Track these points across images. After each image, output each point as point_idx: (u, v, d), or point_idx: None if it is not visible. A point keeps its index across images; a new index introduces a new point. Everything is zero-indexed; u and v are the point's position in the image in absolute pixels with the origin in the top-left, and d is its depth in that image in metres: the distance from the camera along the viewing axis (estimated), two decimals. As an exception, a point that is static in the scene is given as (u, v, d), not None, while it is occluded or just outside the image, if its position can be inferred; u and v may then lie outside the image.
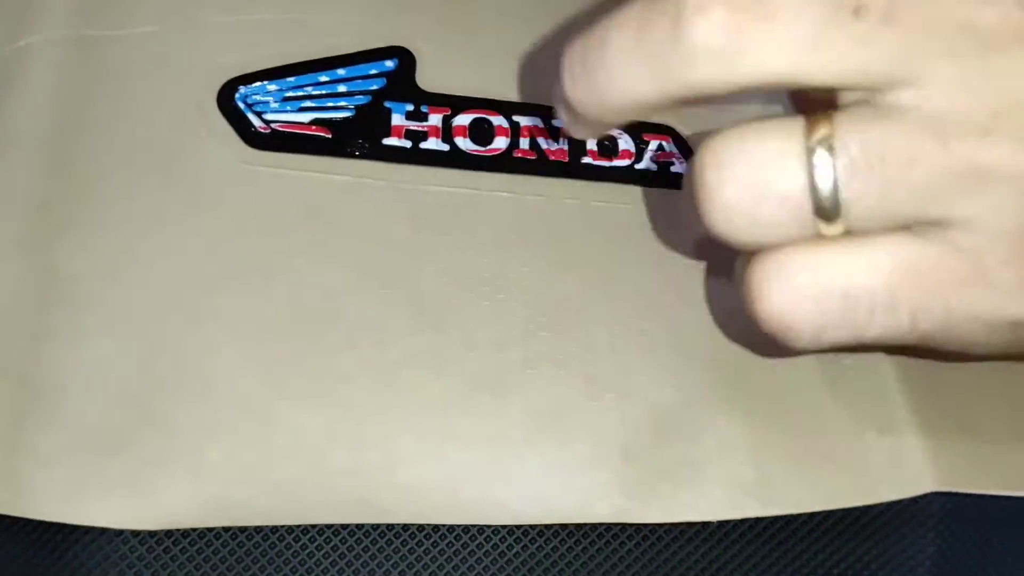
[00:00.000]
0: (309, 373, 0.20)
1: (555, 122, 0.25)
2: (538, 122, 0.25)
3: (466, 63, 0.25)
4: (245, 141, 0.23)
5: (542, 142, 0.24)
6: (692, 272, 0.23)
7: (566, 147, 0.24)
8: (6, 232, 0.21)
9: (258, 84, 0.24)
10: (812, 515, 0.21)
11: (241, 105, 0.24)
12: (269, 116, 0.24)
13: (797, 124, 0.17)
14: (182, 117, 0.23)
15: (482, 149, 0.24)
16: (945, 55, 0.16)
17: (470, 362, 0.21)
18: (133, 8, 0.24)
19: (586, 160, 0.24)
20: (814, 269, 0.17)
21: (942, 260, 0.16)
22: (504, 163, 0.24)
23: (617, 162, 0.24)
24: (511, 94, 0.25)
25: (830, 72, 0.16)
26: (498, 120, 0.24)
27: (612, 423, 0.21)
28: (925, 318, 0.17)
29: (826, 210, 0.16)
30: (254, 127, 0.23)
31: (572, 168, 0.24)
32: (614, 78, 0.17)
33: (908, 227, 0.17)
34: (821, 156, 0.16)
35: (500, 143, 0.24)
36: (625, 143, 0.25)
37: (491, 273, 0.22)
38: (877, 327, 0.17)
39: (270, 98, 0.24)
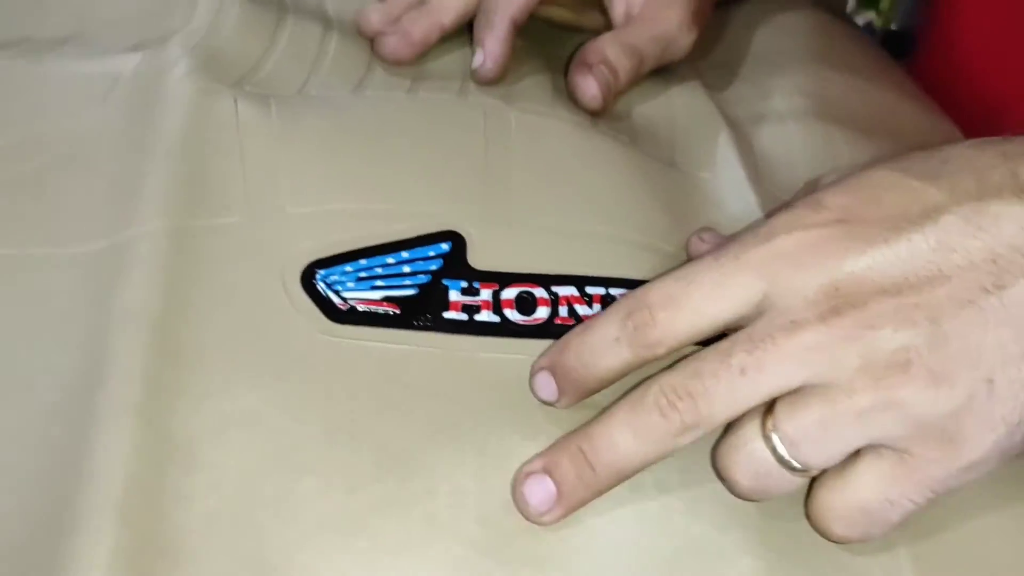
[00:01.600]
0: (396, 520, 0.24)
1: (588, 289, 0.29)
2: (573, 291, 0.29)
3: (508, 243, 0.29)
4: (328, 316, 0.27)
5: (579, 308, 0.28)
6: None
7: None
8: (126, 399, 0.24)
9: (335, 266, 0.28)
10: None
11: (322, 285, 0.27)
12: (346, 294, 0.27)
13: (756, 423, 0.24)
14: (272, 296, 0.27)
15: (527, 319, 0.28)
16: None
17: None
18: (222, 201, 0.28)
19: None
20: (839, 504, 0.24)
21: (895, 461, 0.23)
22: (547, 330, 0.28)
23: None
24: (549, 267, 0.29)
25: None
26: (539, 292, 0.29)
27: None
28: (921, 493, 0.23)
29: (796, 469, 0.23)
30: (335, 304, 0.27)
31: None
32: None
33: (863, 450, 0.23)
34: (774, 440, 0.23)
35: (542, 312, 0.28)
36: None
37: (550, 425, 0.26)
38: (896, 514, 0.23)
39: (346, 278, 0.28)
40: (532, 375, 0.26)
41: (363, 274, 0.28)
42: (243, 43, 0.33)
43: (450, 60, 0.36)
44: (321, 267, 0.28)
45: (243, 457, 0.24)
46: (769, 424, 0.23)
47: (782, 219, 0.24)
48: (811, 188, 0.29)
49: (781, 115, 0.40)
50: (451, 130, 0.32)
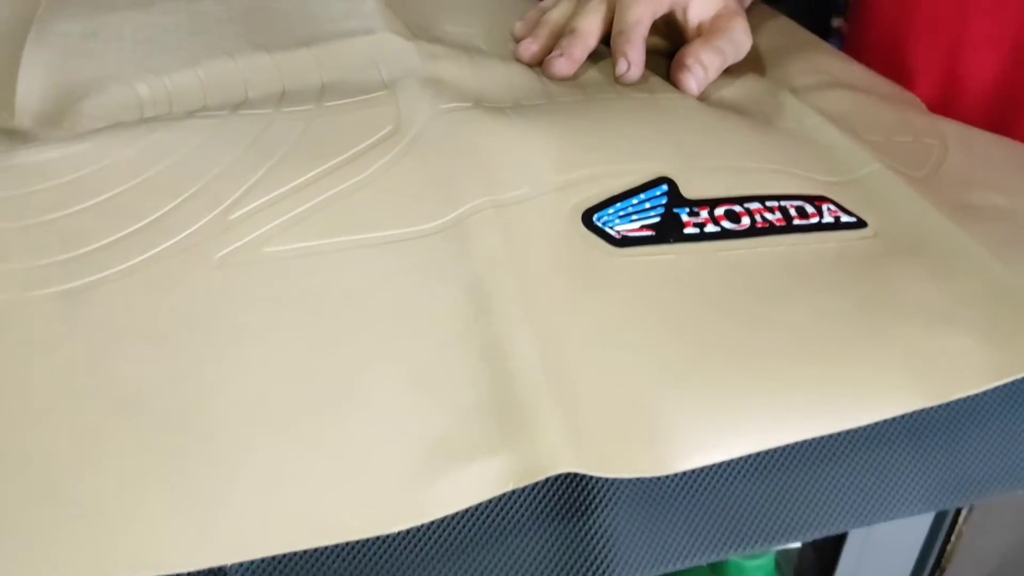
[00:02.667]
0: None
1: (767, 203, 0.40)
2: (758, 205, 0.40)
3: (701, 181, 0.41)
4: (609, 243, 0.38)
5: (767, 215, 0.40)
6: None
7: (781, 216, 0.40)
8: (517, 322, 0.34)
9: (604, 210, 0.39)
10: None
11: (599, 224, 0.38)
12: (617, 227, 0.38)
13: None
14: (571, 238, 0.37)
15: (738, 226, 0.39)
16: None
17: None
18: (512, 179, 0.39)
19: (796, 222, 0.40)
20: None
21: None
22: (753, 231, 0.39)
23: (812, 220, 0.40)
24: (734, 192, 0.41)
25: None
26: (737, 208, 0.40)
27: None
28: None
29: None
30: (612, 236, 0.38)
31: (790, 227, 0.40)
32: None
33: None
34: None
35: (745, 221, 0.40)
36: (810, 208, 0.41)
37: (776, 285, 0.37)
38: None
39: (613, 217, 0.39)
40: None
41: (622, 212, 0.39)
42: (456, 76, 0.45)
43: (597, 72, 0.48)
44: (594, 212, 0.39)
45: (594, 339, 0.34)
46: None
47: None
48: None
49: (814, 87, 0.53)
50: (632, 113, 0.44)
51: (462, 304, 0.35)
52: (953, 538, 0.48)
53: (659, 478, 0.33)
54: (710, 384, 0.33)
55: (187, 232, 0.37)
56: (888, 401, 0.33)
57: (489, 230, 0.37)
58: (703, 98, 0.49)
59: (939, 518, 0.48)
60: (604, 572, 0.32)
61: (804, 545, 0.52)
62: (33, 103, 0.45)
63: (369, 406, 0.31)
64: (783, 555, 0.55)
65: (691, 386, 0.33)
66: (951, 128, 0.51)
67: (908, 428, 0.36)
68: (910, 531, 0.48)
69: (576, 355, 0.33)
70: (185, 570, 0.28)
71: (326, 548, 0.31)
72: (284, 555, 0.31)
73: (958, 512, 0.47)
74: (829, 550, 0.47)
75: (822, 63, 0.57)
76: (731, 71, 0.52)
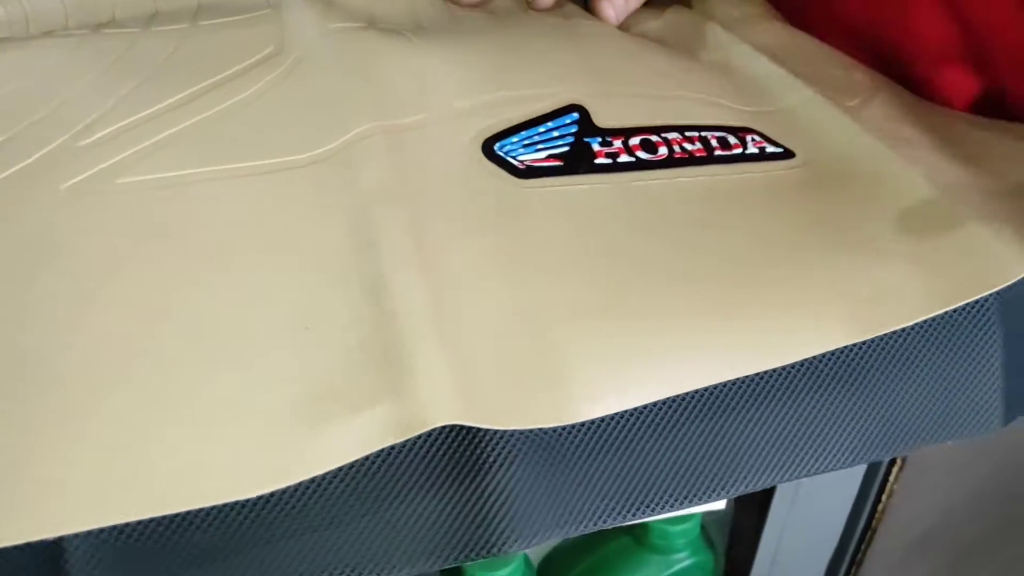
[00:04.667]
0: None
1: (686, 132, 0.37)
2: (677, 135, 0.37)
3: (616, 108, 0.37)
4: (512, 175, 0.34)
5: (686, 146, 0.37)
6: None
7: (702, 147, 0.37)
8: (405, 256, 0.30)
9: (506, 139, 0.35)
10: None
11: (501, 153, 0.34)
12: (521, 157, 0.34)
13: None
14: (469, 168, 0.33)
15: (654, 156, 0.36)
16: None
17: None
18: (408, 104, 0.35)
19: (716, 152, 0.37)
20: None
21: None
22: (671, 162, 0.36)
23: (735, 151, 0.37)
24: (652, 120, 0.37)
25: None
26: (654, 137, 0.36)
27: None
28: None
29: None
30: (515, 166, 0.34)
31: (710, 158, 0.36)
32: None
33: None
34: None
35: (663, 151, 0.36)
36: (732, 139, 0.37)
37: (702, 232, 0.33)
38: None
39: (516, 147, 0.35)
40: None
41: (527, 141, 0.35)
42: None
43: (501, 1, 0.44)
44: (495, 140, 0.35)
45: (492, 276, 0.30)
46: None
47: None
48: None
49: (740, 19, 0.50)
50: (545, 36, 0.40)
51: (345, 238, 0.31)
52: (884, 497, 0.46)
53: (561, 430, 0.29)
54: (619, 321, 0.29)
55: (30, 160, 0.32)
56: (818, 336, 0.30)
57: (379, 158, 0.33)
58: (623, 29, 0.45)
59: (869, 477, 0.45)
60: (501, 538, 0.28)
61: (735, 509, 0.49)
62: None
63: (236, 351, 0.27)
64: (711, 520, 0.52)
65: (597, 324, 0.29)
66: (877, 73, 0.48)
67: (838, 374, 0.33)
68: (840, 489, 0.45)
69: (469, 293, 0.29)
70: (9, 543, 0.24)
71: (183, 515, 0.27)
72: (134, 524, 0.26)
73: (889, 470, 0.45)
74: (754, 509, 0.44)
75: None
76: (654, 4, 0.49)
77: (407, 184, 0.32)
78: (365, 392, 0.27)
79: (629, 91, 0.38)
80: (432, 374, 0.27)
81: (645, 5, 0.48)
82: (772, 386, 0.32)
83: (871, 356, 0.33)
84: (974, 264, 0.32)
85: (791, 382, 0.32)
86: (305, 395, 0.27)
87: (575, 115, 0.36)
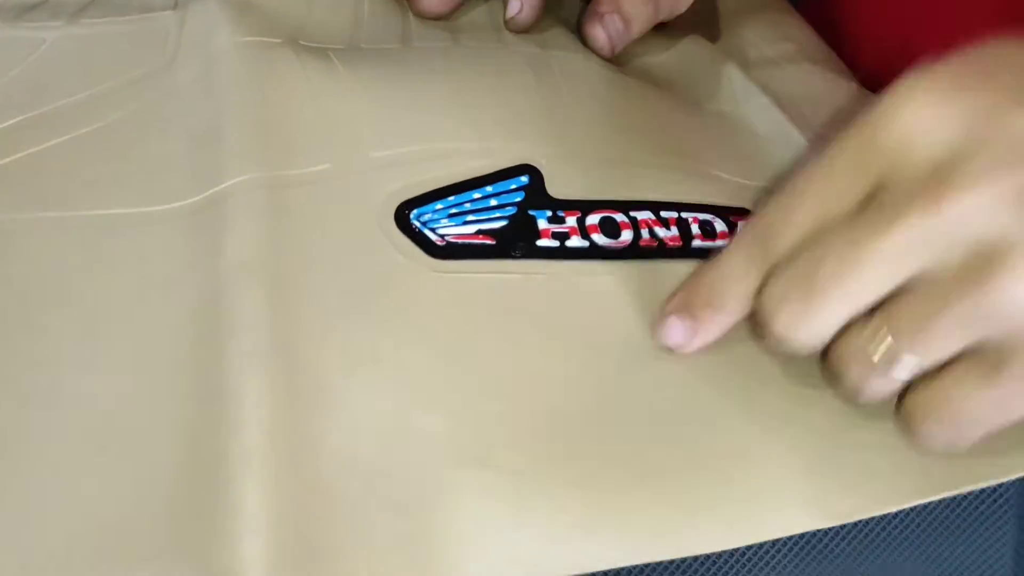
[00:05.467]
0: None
1: (662, 213, 0.30)
2: (649, 215, 0.30)
3: (580, 174, 0.30)
4: (428, 253, 0.27)
5: (658, 231, 0.29)
6: None
7: (678, 234, 0.29)
8: (257, 348, 0.24)
9: (427, 205, 0.28)
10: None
11: (417, 224, 0.27)
12: (441, 231, 0.27)
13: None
14: (372, 238, 0.27)
15: (614, 242, 0.29)
16: None
17: None
18: (309, 150, 0.28)
19: (696, 243, 0.29)
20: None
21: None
22: (634, 251, 0.29)
23: (719, 242, 0.30)
24: (621, 194, 0.30)
25: None
26: (619, 217, 0.29)
27: None
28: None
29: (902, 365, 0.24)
30: (432, 241, 0.27)
31: (686, 251, 0.29)
32: None
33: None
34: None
35: (626, 236, 0.29)
36: (720, 226, 0.30)
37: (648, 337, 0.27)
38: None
39: (439, 215, 0.28)
40: (661, 321, 0.27)
41: (454, 210, 0.28)
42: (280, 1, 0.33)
43: (481, 14, 0.37)
44: (413, 206, 0.28)
45: (373, 395, 0.24)
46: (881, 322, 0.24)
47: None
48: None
49: (774, 60, 0.42)
50: (505, 74, 0.32)
51: (187, 325, 0.24)
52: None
53: None
54: (519, 478, 0.22)
55: None
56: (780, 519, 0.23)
57: (254, 220, 0.26)
58: (618, 61, 0.37)
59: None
60: None
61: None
62: None
63: (14, 472, 0.21)
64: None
65: (490, 479, 0.22)
66: None
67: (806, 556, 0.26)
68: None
69: (334, 415, 0.23)
70: None
71: None
72: None
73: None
74: None
75: (791, 30, 0.45)
76: (667, 30, 0.41)
77: (284, 258, 0.25)
78: (156, 546, 0.20)
79: (598, 152, 0.31)
80: (245, 534, 0.20)
81: (656, 29, 0.40)
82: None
83: (846, 537, 0.26)
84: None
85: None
86: (98, 538, 0.21)
87: (523, 179, 0.29)
